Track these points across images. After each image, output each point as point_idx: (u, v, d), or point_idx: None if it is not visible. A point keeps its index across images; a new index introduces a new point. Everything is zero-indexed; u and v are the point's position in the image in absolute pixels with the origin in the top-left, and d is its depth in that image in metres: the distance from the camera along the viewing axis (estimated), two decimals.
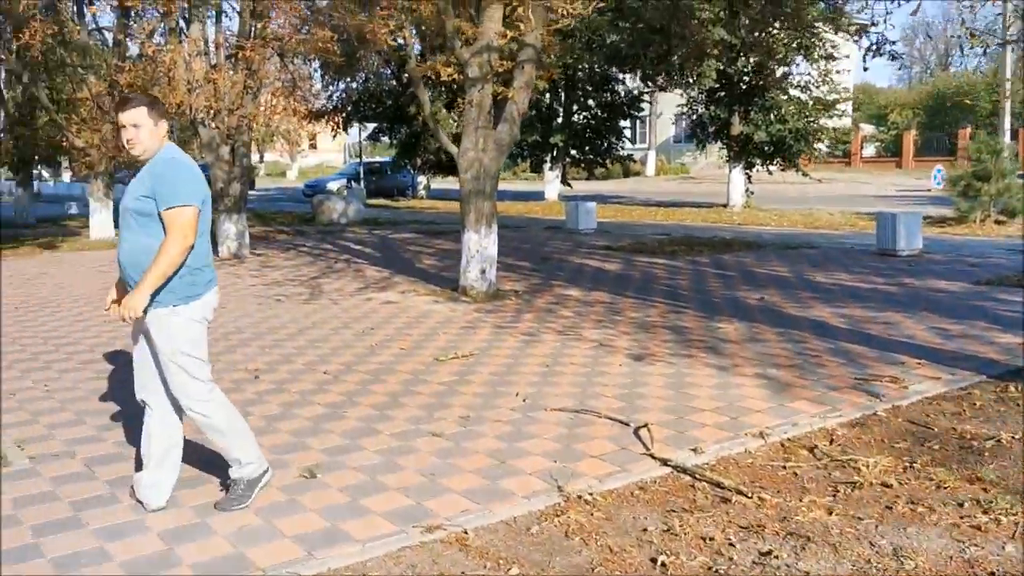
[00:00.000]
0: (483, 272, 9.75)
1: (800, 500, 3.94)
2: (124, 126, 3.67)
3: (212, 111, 13.85)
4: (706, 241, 14.75)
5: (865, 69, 21.29)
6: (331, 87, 29.28)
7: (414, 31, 12.15)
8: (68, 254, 15.63)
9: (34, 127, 21.51)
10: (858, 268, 11.37)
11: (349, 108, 29.60)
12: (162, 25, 14.55)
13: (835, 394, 5.57)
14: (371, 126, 31.24)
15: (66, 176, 52.39)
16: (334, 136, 32.96)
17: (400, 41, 29.15)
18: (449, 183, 37.58)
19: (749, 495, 3.98)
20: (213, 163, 14.09)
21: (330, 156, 65.41)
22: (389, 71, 29.32)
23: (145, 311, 3.64)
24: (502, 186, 37.42)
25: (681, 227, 18.08)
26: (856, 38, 17.60)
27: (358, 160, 36.44)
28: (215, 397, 3.87)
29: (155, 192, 3.62)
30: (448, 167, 31.12)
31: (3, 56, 18.03)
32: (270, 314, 8.94)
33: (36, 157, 23.33)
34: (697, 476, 4.24)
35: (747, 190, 22.39)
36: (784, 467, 4.37)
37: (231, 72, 13.99)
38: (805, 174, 21.50)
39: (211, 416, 3.82)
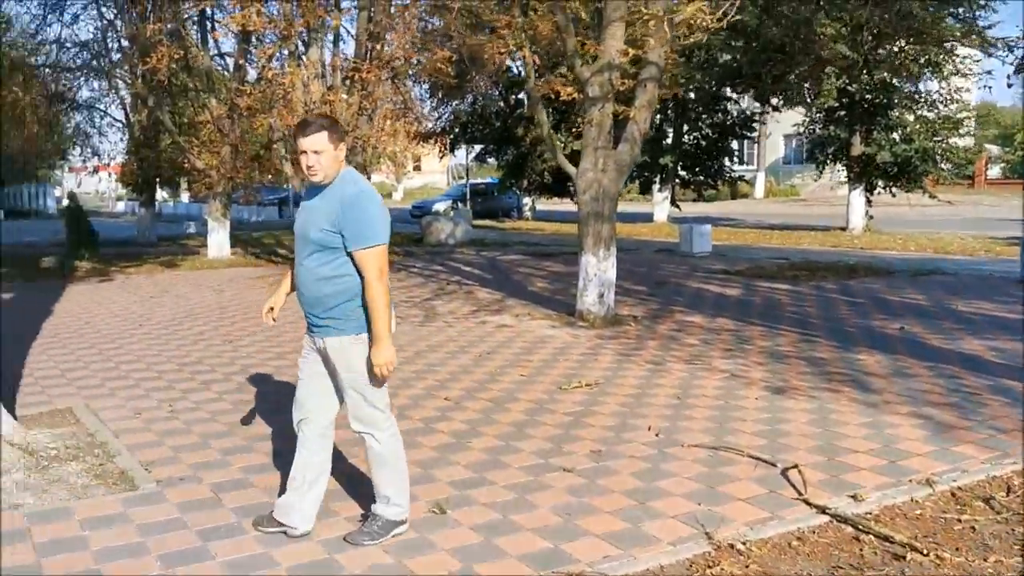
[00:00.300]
0: (601, 296, 9.46)
1: (984, 560, 3.51)
2: (305, 152, 3.56)
3: None
4: (829, 266, 14.09)
5: (1009, 86, 20.11)
6: (439, 109, 29.59)
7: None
8: (187, 273, 16.01)
9: (158, 149, 22.31)
10: (1002, 297, 10.62)
11: (456, 130, 29.79)
12: (282, 49, 14.83)
13: (1004, 437, 5.06)
14: (478, 147, 31.38)
15: (184, 196, 54.55)
16: (441, 157, 33.26)
17: (512, 62, 29.11)
18: (554, 205, 37.50)
19: (925, 552, 3.57)
20: None
21: (434, 178, 66.28)
22: (497, 92, 29.44)
23: (322, 337, 3.68)
24: None
25: (798, 251, 17.41)
26: (1004, 53, 16.70)
27: (464, 181, 36.69)
28: (391, 427, 3.80)
29: (345, 229, 3.54)
30: (555, 188, 31.05)
31: (129, 80, 18.70)
32: (402, 336, 8.84)
33: (159, 178, 24.16)
34: (861, 528, 3.85)
35: (867, 213, 21.47)
36: (959, 520, 3.93)
37: (346, 94, 14.10)
38: (933, 196, 20.46)
39: (383, 444, 3.74)
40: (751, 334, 8.48)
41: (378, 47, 13.75)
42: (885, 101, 20.10)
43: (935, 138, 20.02)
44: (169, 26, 15.40)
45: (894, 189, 21.44)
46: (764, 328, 8.81)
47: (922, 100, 20.44)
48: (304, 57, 14.19)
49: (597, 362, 7.39)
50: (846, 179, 21.73)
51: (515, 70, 30.34)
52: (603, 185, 9.51)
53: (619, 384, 6.55)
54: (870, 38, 19.64)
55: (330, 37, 14.94)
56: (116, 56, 20.35)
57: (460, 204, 32.07)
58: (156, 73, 14.74)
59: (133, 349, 8.33)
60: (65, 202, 23.04)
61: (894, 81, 20.10)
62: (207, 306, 11.34)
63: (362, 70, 13.85)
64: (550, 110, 28.29)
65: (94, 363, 7.68)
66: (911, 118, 20.34)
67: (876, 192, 21.51)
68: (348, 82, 14.61)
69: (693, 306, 10.41)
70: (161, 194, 54.06)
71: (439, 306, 10.94)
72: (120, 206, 52.98)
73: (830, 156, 22.03)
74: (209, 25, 19.04)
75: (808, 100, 21.86)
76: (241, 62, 18.14)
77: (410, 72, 13.96)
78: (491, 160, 35.02)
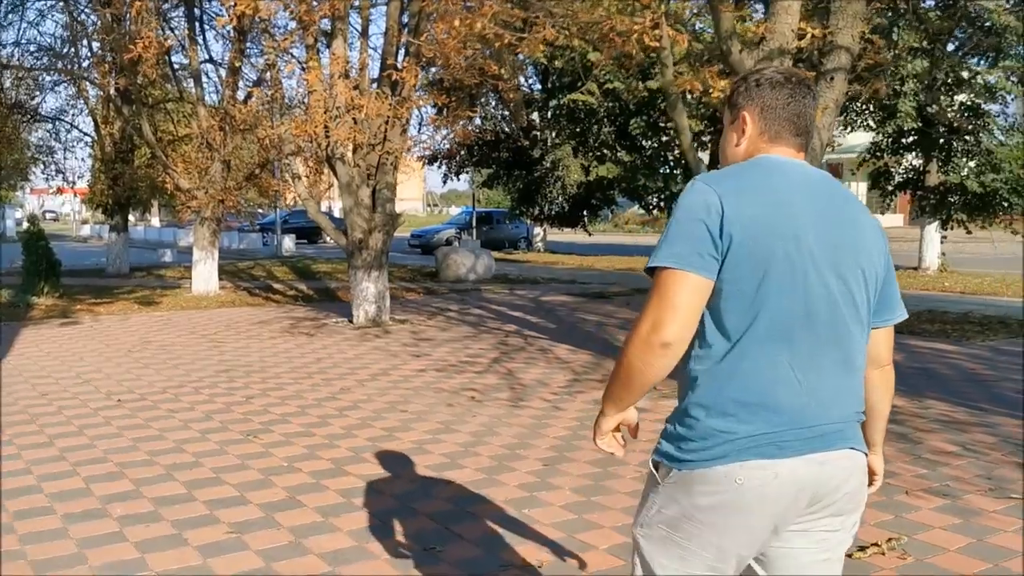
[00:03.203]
0: None
1: None
2: None
3: (353, 145, 11.29)
4: (961, 317, 11.54)
5: None
6: (443, 129, 26.91)
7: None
8: (170, 314, 13.14)
9: (132, 166, 19.44)
10: None
11: (462, 152, 27.13)
12: (295, 44, 12.15)
13: None
14: (486, 172, 28.76)
15: (156, 220, 51.34)
16: (445, 181, 30.60)
17: (521, 80, 26.26)
18: (566, 236, 34.92)
19: None
20: (351, 208, 11.50)
21: (407, 205, 63.34)
22: (506, 112, 26.87)
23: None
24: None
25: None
26: None
27: (467, 208, 34.02)
28: None
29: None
30: (569, 218, 28.47)
31: (100, 83, 15.85)
32: (478, 426, 6.11)
33: (133, 199, 21.29)
34: None
35: (941, 251, 19.08)
36: None
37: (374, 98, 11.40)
38: (1015, 231, 18.10)
39: None
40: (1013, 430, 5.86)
41: (418, 41, 11.07)
42: (969, 125, 17.73)
43: None
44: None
45: (968, 224, 19.00)
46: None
47: (1015, 123, 18.07)
48: (318, 54, 11.48)
49: None
50: (920, 212, 19.29)
51: (527, 87, 27.88)
52: None
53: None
54: (952, 52, 17.31)
55: (357, 27, 12.22)
56: (86, 62, 17.57)
57: (464, 233, 29.37)
58: (139, 65, 11.96)
59: (111, 449, 5.53)
60: (25, 225, 20.18)
61: (978, 102, 17.77)
62: (206, 367, 8.53)
63: (398, 68, 11.19)
64: (564, 124, 25.88)
65: (50, 480, 4.88)
66: (997, 144, 17.96)
67: (950, 227, 19.09)
68: (376, 84, 11.95)
69: None
70: (130, 217, 51.00)
71: (518, 371, 8.23)
72: (85, 230, 49.64)
73: (898, 186, 19.60)
74: (199, 25, 16.31)
75: (870, 123, 19.46)
76: (237, 64, 15.41)
77: (460, 73, 11.20)
78: (486, 186, 32.36)
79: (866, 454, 1.91)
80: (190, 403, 6.90)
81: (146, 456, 5.41)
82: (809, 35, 6.69)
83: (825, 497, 1.81)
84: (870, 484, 2.07)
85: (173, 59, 17.32)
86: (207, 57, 17.85)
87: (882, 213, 27.75)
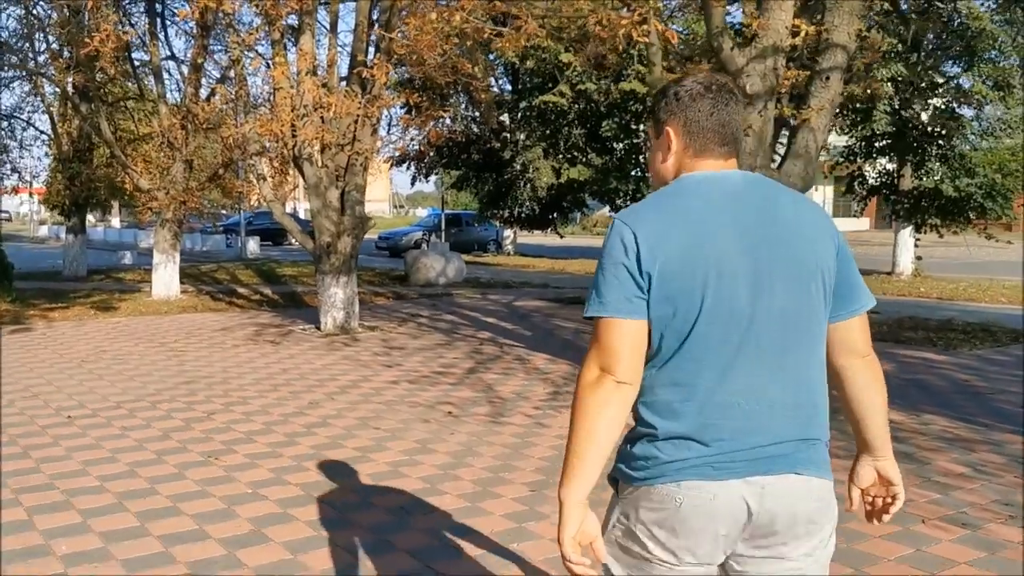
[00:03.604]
0: None
1: None
2: None
3: (321, 145, 10.84)
4: (943, 325, 11.34)
5: None
6: (411, 130, 26.43)
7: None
8: (129, 320, 12.59)
9: (91, 165, 18.77)
10: None
11: (431, 153, 26.66)
12: (260, 40, 11.66)
13: None
14: (455, 173, 28.32)
15: (116, 221, 50.23)
16: (412, 183, 30.13)
17: (496, 81, 25.95)
18: (536, 238, 34.56)
19: None
20: (319, 210, 11.04)
21: (374, 206, 62.63)
22: (477, 113, 26.46)
23: None
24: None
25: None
26: None
27: (437, 210, 33.54)
28: None
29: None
30: (540, 220, 28.12)
31: (56, 79, 15.20)
32: (457, 445, 5.72)
33: (91, 200, 20.61)
34: None
35: (915, 255, 18.95)
36: None
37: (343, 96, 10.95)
38: (989, 236, 18.00)
39: None
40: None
41: (389, 37, 10.64)
42: (943, 130, 17.60)
43: (1004, 172, 17.55)
44: None
45: (941, 229, 18.85)
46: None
47: (988, 128, 17.97)
48: (295, 47, 11.02)
49: None
50: (894, 216, 19.15)
51: (496, 88, 27.50)
52: None
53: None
54: (925, 56, 17.21)
55: (326, 23, 11.77)
56: (43, 57, 16.87)
57: (433, 235, 28.91)
58: (96, 60, 11.42)
59: (57, 474, 5.06)
60: None
61: (954, 106, 17.66)
62: (164, 379, 8.05)
63: (368, 66, 10.76)
64: (535, 126, 25.49)
65: None
66: (970, 149, 17.83)
67: (923, 231, 18.97)
68: (345, 82, 11.51)
69: None
70: (89, 218, 49.87)
71: (496, 383, 7.84)
72: (43, 231, 48.45)
73: (871, 191, 19.44)
74: (160, 20, 15.73)
75: (843, 127, 19.31)
76: (200, 61, 14.88)
77: (433, 72, 10.80)
78: (454, 188, 31.92)
79: (820, 477, 1.81)
80: (146, 420, 6.44)
81: (96, 482, 4.95)
82: (804, 32, 6.39)
83: (772, 522, 1.77)
84: (893, 499, 2.00)
85: (134, 56, 16.76)
86: (169, 54, 17.17)
87: (856, 217, 27.68)
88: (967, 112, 18.12)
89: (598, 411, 1.75)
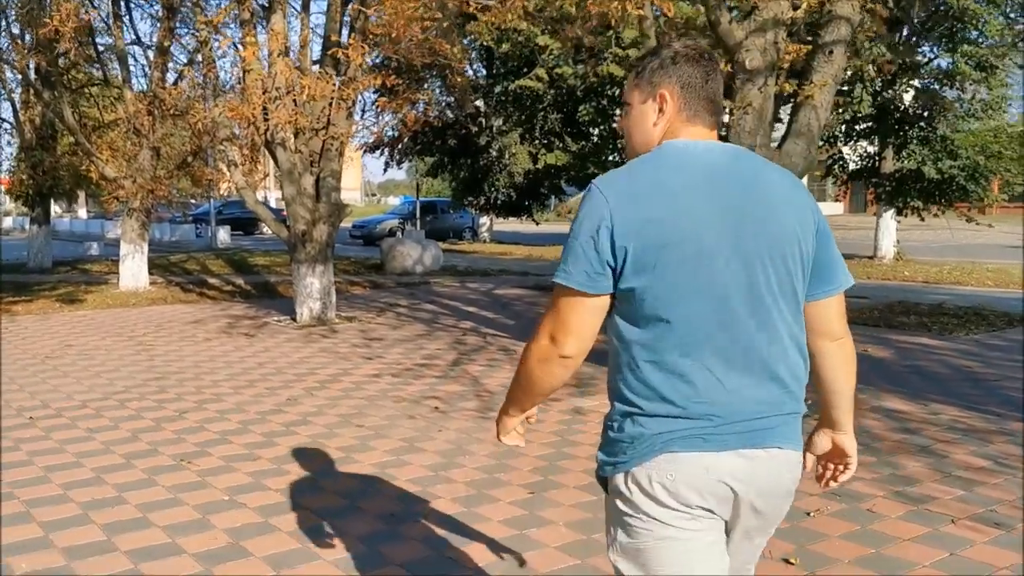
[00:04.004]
0: None
1: None
2: None
3: (295, 129, 10.41)
4: (935, 309, 11.13)
5: None
6: (387, 113, 25.91)
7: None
8: (96, 313, 12.11)
9: (55, 154, 18.15)
10: None
11: (405, 139, 26.19)
12: (228, 21, 11.21)
13: None
14: (429, 160, 27.86)
15: (82, 212, 49.26)
16: (385, 170, 29.66)
17: (471, 67, 25.49)
18: (512, 225, 34.20)
19: None
20: (293, 198, 10.62)
21: (345, 194, 61.82)
22: (452, 98, 26.02)
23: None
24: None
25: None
26: None
27: (410, 198, 33.06)
28: None
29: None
30: (516, 207, 27.77)
31: (15, 60, 14.60)
32: (446, 443, 5.38)
33: (56, 190, 19.99)
34: None
35: (896, 239, 18.79)
36: None
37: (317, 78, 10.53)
38: (969, 219, 17.87)
39: None
40: None
41: (364, 15, 10.23)
42: (925, 111, 17.41)
43: (987, 154, 17.36)
44: None
45: (923, 212, 18.66)
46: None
47: (970, 109, 17.74)
48: (265, 27, 10.57)
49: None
50: (875, 200, 18.97)
51: (471, 73, 27.04)
52: None
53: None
54: (907, 37, 16.98)
55: (297, 3, 11.33)
56: (4, 42, 16.25)
57: (408, 223, 28.46)
58: (57, 42, 10.90)
59: (18, 482, 4.66)
60: None
61: (936, 87, 17.46)
62: (133, 375, 7.63)
63: (344, 47, 10.35)
64: (512, 111, 25.07)
65: None
66: (947, 129, 17.60)
67: (904, 215, 18.80)
68: (319, 63, 11.08)
69: None
70: (55, 208, 48.79)
71: (482, 376, 7.51)
72: (7, 222, 47.38)
73: (852, 174, 19.22)
74: (124, 3, 15.16)
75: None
76: (166, 44, 14.37)
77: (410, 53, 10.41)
78: (427, 176, 31.41)
79: (797, 450, 1.84)
80: (113, 420, 6.03)
81: (58, 490, 4.57)
82: (805, 4, 6.07)
83: (759, 494, 1.79)
84: (845, 468, 2.05)
85: (98, 41, 16.18)
86: (134, 37, 16.64)
87: (834, 201, 27.52)
88: (950, 94, 17.91)
89: (539, 377, 1.86)
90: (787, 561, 3.63)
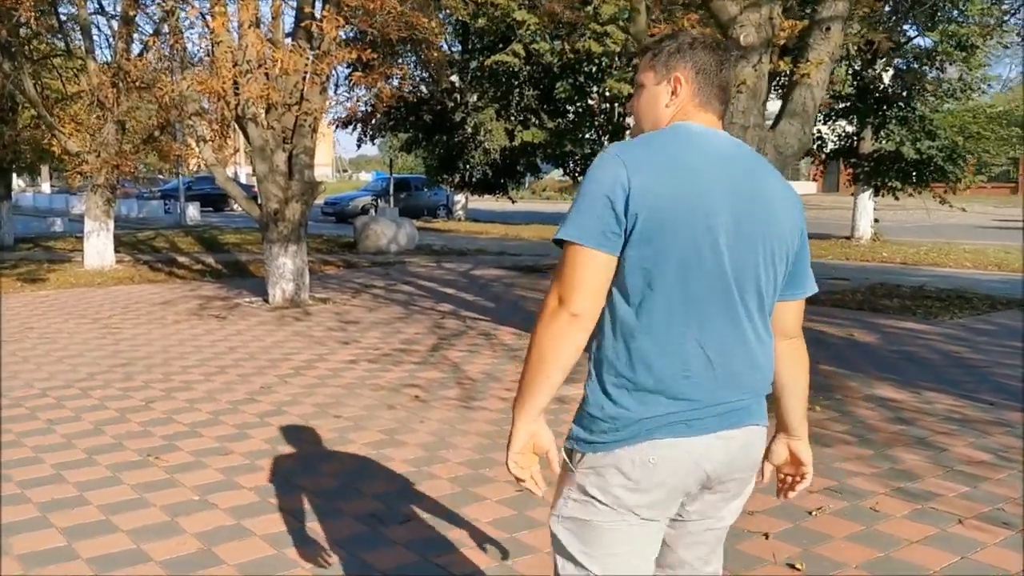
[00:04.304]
0: None
1: None
2: None
3: (266, 104, 10.06)
4: (922, 293, 11.03)
5: None
6: (356, 90, 25.41)
7: None
8: (59, 293, 11.72)
9: (15, 128, 17.59)
10: None
11: (378, 115, 25.70)
12: None
13: None
14: (403, 136, 27.40)
15: (46, 187, 48.24)
16: (358, 146, 29.19)
17: (445, 41, 24.98)
18: (487, 203, 33.90)
19: None
20: (265, 175, 10.28)
21: (316, 171, 61.03)
22: (426, 73, 25.58)
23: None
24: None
25: (823, 267, 14.37)
26: None
27: (383, 174, 32.59)
28: None
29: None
30: (492, 185, 27.43)
31: None
32: (428, 435, 5.15)
33: (17, 164, 19.42)
34: None
35: (874, 219, 18.72)
36: None
37: (290, 51, 10.17)
38: (943, 201, 17.79)
39: None
40: None
41: None
42: (903, 91, 17.28)
43: (966, 134, 17.24)
44: None
45: (899, 192, 18.55)
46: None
47: (949, 89, 17.60)
48: None
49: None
50: (852, 180, 18.86)
51: (448, 48, 26.61)
52: None
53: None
54: (888, 16, 16.79)
55: None
56: None
57: (381, 201, 28.06)
58: (16, 10, 10.44)
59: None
60: None
61: (916, 66, 17.31)
62: (97, 360, 7.32)
63: (318, 19, 9.99)
64: (487, 87, 24.68)
65: None
66: (926, 109, 17.48)
67: (881, 195, 18.72)
68: (292, 36, 10.70)
69: (855, 367, 7.07)
70: (18, 183, 47.73)
71: (463, 362, 7.26)
72: None
73: (830, 154, 19.09)
74: None
75: None
76: (131, 14, 13.87)
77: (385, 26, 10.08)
78: (403, 152, 30.92)
79: (764, 425, 1.89)
80: (75, 411, 5.74)
81: (15, 489, 4.29)
82: None
83: (729, 472, 1.83)
84: (802, 478, 2.08)
85: (60, 11, 15.62)
86: (97, 7, 16.08)
87: (808, 180, 27.50)
88: (929, 74, 17.76)
89: (549, 341, 1.73)
90: (793, 566, 3.45)
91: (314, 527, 3.84)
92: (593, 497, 1.80)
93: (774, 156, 5.96)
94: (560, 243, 1.75)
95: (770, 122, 6.16)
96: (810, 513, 3.97)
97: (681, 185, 1.71)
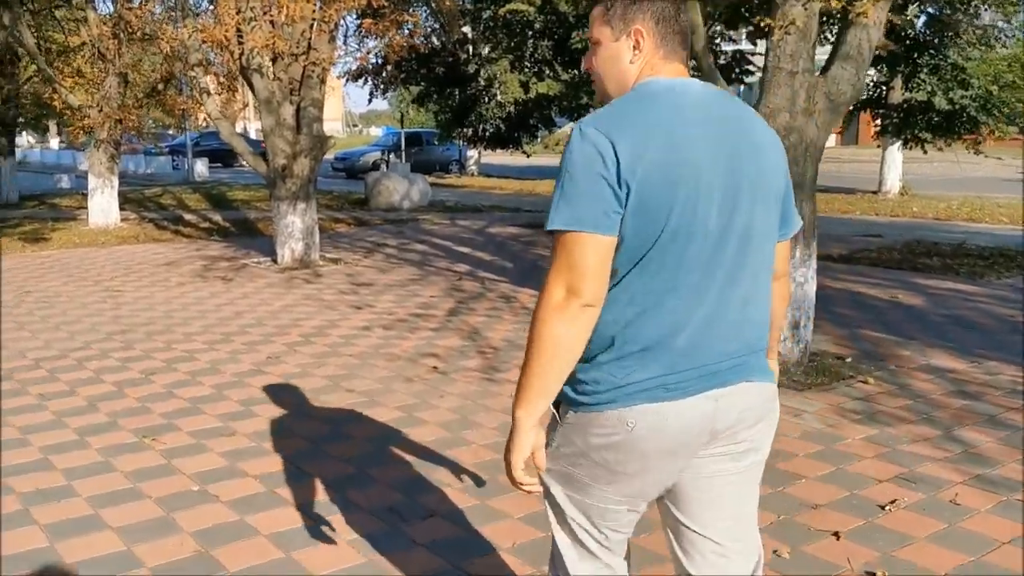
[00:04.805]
0: (797, 327, 5.52)
1: None
2: None
3: (272, 54, 9.53)
4: (963, 251, 10.49)
5: None
6: (368, 40, 24.70)
7: None
8: (62, 253, 11.32)
9: (16, 82, 17.08)
10: None
11: (389, 67, 25.02)
12: None
13: None
14: (415, 89, 26.69)
15: (55, 143, 47.75)
16: (370, 100, 28.57)
17: None
18: (500, 158, 33.22)
19: None
20: (272, 129, 9.78)
21: (326, 125, 60.24)
22: (438, 24, 24.87)
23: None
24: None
25: (852, 222, 13.82)
26: None
27: (393, 129, 31.96)
28: None
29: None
30: (507, 138, 26.75)
31: None
32: (449, 412, 4.72)
33: (20, 120, 18.94)
34: None
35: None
36: None
37: None
38: (978, 151, 17.12)
39: None
40: None
41: None
42: (936, 38, 16.51)
43: (1003, 83, 16.53)
44: None
45: (928, 144, 17.84)
46: None
47: (983, 37, 16.82)
48: None
49: (844, 447, 3.51)
50: (880, 131, 18.16)
51: None
52: (806, 136, 5.52)
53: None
54: None
55: None
56: None
57: (392, 156, 27.47)
58: None
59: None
60: None
61: (948, 12, 16.52)
62: (97, 326, 6.91)
63: None
64: (501, 38, 23.98)
65: None
66: (959, 57, 16.71)
67: (910, 147, 18.03)
68: None
69: (847, 323, 6.60)
70: (27, 139, 47.26)
71: (484, 328, 6.83)
72: None
73: (860, 104, 18.36)
74: None
75: (827, 36, 18.16)
76: None
77: None
78: (418, 105, 30.25)
79: (767, 382, 1.84)
80: (70, 384, 5.33)
81: (13, 472, 3.88)
82: None
83: (727, 429, 1.78)
84: None
85: None
86: None
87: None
88: (966, 21, 16.93)
89: (563, 334, 1.65)
90: (873, 575, 3.01)
91: (328, 523, 3.42)
92: (580, 454, 1.78)
93: (825, 104, 5.44)
94: (556, 231, 1.65)
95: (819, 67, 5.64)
96: (883, 507, 3.53)
97: (668, 148, 1.64)
